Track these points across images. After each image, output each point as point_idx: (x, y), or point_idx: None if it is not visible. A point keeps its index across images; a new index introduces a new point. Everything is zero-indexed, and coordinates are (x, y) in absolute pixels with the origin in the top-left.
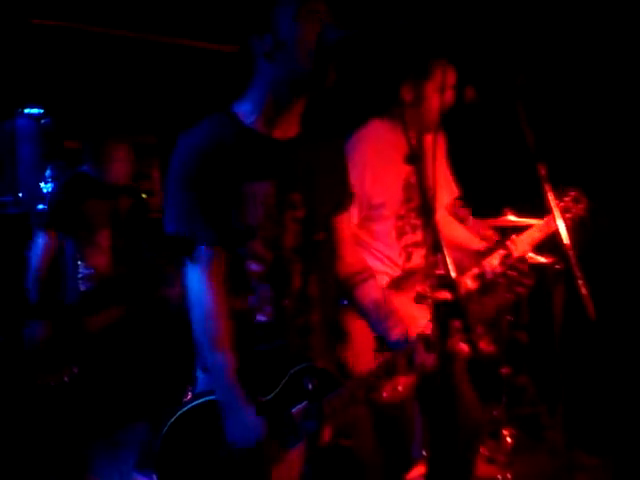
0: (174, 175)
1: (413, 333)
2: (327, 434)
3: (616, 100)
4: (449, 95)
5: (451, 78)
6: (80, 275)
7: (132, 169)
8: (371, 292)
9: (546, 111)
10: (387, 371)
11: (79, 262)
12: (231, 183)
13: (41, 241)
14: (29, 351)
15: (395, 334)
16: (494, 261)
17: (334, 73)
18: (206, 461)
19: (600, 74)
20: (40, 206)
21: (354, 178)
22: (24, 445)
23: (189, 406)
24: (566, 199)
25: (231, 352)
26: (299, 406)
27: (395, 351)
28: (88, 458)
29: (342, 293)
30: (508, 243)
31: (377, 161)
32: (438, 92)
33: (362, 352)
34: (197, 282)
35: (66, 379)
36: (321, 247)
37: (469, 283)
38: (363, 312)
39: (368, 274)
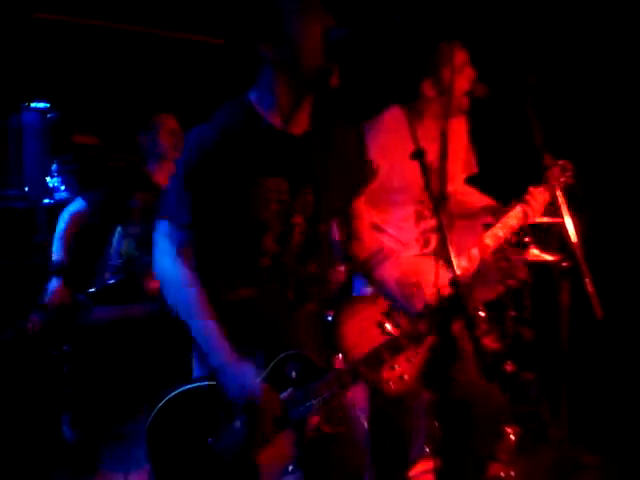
0: (179, 165)
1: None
2: (314, 422)
3: (625, 96)
4: (469, 72)
5: (463, 55)
6: (111, 264)
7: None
8: (390, 270)
9: (555, 108)
10: (373, 360)
11: (112, 251)
12: (244, 177)
13: (75, 207)
14: (47, 304)
15: (419, 303)
16: (512, 221)
17: (338, 71)
18: (194, 448)
19: (608, 72)
20: (46, 200)
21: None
22: (34, 438)
23: (176, 392)
24: (554, 168)
25: (211, 314)
26: (285, 393)
27: (382, 343)
28: (98, 450)
29: (362, 274)
30: (527, 197)
31: (397, 145)
32: (458, 73)
33: (356, 350)
34: (165, 254)
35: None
36: (323, 239)
37: (464, 263)
38: (384, 290)
39: (384, 254)
